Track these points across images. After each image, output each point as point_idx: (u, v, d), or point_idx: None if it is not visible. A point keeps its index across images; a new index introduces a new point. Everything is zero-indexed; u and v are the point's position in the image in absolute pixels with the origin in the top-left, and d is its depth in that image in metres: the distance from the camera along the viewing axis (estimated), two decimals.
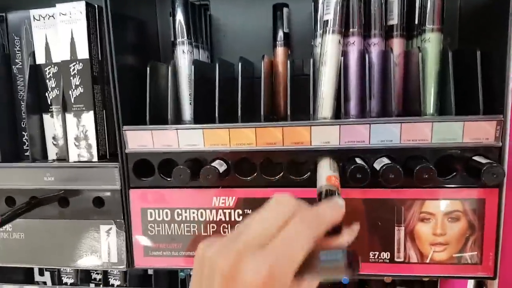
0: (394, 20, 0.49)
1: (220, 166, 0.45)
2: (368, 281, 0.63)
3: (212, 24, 0.59)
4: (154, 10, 0.59)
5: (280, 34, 0.55)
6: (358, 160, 0.42)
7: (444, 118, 0.42)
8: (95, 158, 0.50)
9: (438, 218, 0.44)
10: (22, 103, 0.53)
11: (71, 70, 0.49)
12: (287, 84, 0.47)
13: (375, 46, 0.48)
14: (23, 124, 0.54)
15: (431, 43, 0.46)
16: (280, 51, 0.55)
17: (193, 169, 0.44)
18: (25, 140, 0.54)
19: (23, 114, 0.53)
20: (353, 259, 0.25)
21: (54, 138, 0.53)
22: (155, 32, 0.59)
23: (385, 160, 0.42)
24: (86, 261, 0.52)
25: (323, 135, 0.44)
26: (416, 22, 0.48)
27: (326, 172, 0.39)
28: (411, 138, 0.43)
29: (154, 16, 0.59)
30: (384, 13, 0.49)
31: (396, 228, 0.45)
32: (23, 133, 0.54)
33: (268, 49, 0.56)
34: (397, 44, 0.49)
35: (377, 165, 0.42)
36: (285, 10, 0.55)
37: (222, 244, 0.26)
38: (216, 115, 0.48)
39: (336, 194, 0.34)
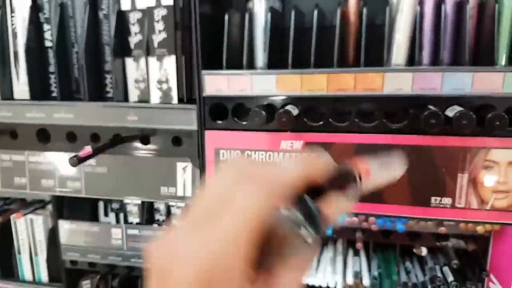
0: None
1: (293, 110, 0.48)
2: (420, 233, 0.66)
3: None
4: None
5: None
6: (431, 107, 0.44)
7: None
8: (175, 101, 0.54)
9: (502, 166, 0.46)
10: (106, 47, 0.58)
11: (155, 15, 0.52)
12: (362, 32, 0.49)
13: None
14: (106, 67, 0.59)
15: None
16: (352, 1, 0.56)
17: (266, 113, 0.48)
18: (108, 83, 0.59)
19: (106, 58, 0.58)
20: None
21: (136, 81, 0.58)
22: None
23: (457, 108, 0.43)
24: (163, 195, 0.57)
25: (396, 82, 0.45)
26: None
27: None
28: (483, 87, 0.44)
29: None
30: None
31: (459, 174, 0.47)
32: (106, 75, 0.59)
33: None
34: None
35: (450, 112, 0.43)
36: None
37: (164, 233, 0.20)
38: (289, 61, 0.51)
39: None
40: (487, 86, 0.44)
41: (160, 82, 0.54)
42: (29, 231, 0.93)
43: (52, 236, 0.89)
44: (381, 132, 0.47)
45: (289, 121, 0.47)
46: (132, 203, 0.87)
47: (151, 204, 0.86)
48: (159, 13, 0.52)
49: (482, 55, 0.48)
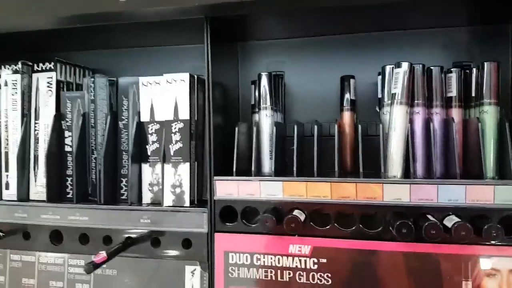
0: (453, 93, 0.56)
1: (300, 215, 0.51)
2: None
3: (286, 91, 0.68)
4: (237, 78, 0.69)
5: (347, 99, 0.63)
6: (430, 217, 0.47)
7: (505, 182, 0.47)
8: (187, 204, 0.57)
9: (504, 274, 0.48)
10: (124, 154, 0.62)
11: (172, 128, 0.58)
12: (358, 143, 0.54)
13: (437, 115, 0.55)
14: (123, 171, 0.63)
15: (489, 114, 0.53)
16: (346, 114, 0.63)
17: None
18: (123, 186, 0.63)
19: (123, 163, 0.62)
20: None
21: (150, 184, 0.61)
22: (237, 96, 0.69)
23: (455, 218, 0.46)
24: None
25: (395, 192, 0.49)
26: (473, 95, 0.55)
27: None
28: (476, 198, 0.48)
29: (236, 83, 0.69)
30: (444, 87, 0.56)
31: (463, 282, 0.48)
32: (122, 179, 0.63)
33: (336, 112, 0.64)
34: (456, 113, 0.56)
35: (448, 222, 0.46)
36: (351, 80, 0.63)
37: None
38: (294, 169, 0.55)
39: None
40: (480, 197, 0.48)
41: (173, 186, 0.58)
42: None
43: None
44: (384, 240, 0.50)
45: (297, 226, 0.50)
46: None
47: None
48: (176, 126, 0.58)
49: (472, 166, 0.53)
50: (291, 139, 0.58)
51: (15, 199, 0.64)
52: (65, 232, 0.61)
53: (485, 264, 0.48)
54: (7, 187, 0.66)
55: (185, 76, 0.58)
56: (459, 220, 0.46)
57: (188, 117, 0.58)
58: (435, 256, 0.49)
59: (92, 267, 0.49)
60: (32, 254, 0.63)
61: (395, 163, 0.52)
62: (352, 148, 0.61)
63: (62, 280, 0.61)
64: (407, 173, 0.52)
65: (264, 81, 0.60)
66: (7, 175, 0.66)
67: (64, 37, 0.68)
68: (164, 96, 0.59)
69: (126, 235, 0.59)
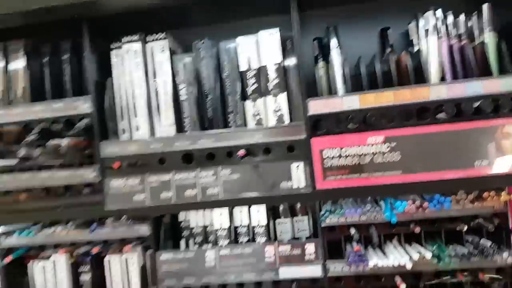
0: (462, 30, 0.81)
1: (371, 118, 0.74)
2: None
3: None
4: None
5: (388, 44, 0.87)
6: (462, 104, 0.71)
7: (506, 75, 0.72)
8: (287, 122, 0.80)
9: None
10: (230, 96, 0.84)
11: (268, 70, 0.80)
12: (409, 68, 0.78)
13: (457, 44, 0.80)
14: (229, 109, 0.84)
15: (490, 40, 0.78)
16: (392, 58, 0.87)
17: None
18: (230, 121, 0.84)
19: (229, 103, 0.84)
20: None
21: (253, 115, 0.83)
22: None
23: (479, 102, 0.71)
24: (282, 189, 0.79)
25: (437, 92, 0.73)
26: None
27: None
28: (490, 90, 0.73)
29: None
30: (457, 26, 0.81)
31: (490, 144, 0.73)
32: (228, 115, 0.84)
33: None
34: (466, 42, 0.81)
35: (475, 104, 0.71)
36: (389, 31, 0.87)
37: None
38: (363, 86, 0.79)
39: None
40: (492, 89, 0.72)
41: (275, 111, 0.80)
42: (123, 269, 1.08)
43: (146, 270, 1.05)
44: (434, 124, 0.74)
45: (371, 124, 0.73)
46: (221, 228, 1.06)
47: (235, 229, 1.05)
48: (272, 68, 0.80)
49: (483, 72, 0.78)
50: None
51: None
52: (195, 154, 0.81)
53: (504, 129, 0.72)
54: (137, 129, 0.86)
55: (275, 30, 0.81)
56: (481, 101, 0.70)
57: (280, 60, 0.80)
58: (467, 129, 0.73)
59: (240, 159, 0.70)
60: (167, 175, 0.83)
61: (433, 76, 0.76)
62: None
63: (195, 188, 0.81)
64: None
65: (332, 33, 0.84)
66: (136, 120, 0.86)
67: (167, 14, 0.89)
68: (258, 46, 0.82)
69: (239, 157, 0.79)
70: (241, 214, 1.08)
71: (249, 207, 1.06)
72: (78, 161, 0.83)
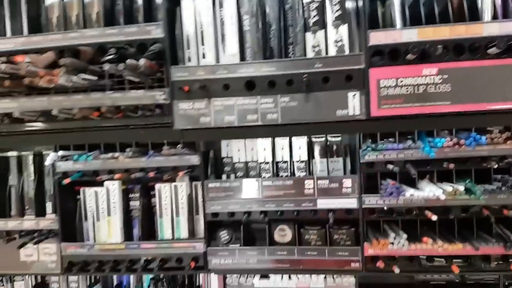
0: None
1: (430, 50, 0.80)
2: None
3: None
4: None
5: None
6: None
7: None
8: (347, 52, 0.86)
9: None
10: (290, 28, 0.89)
11: (333, 2, 0.86)
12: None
13: None
14: (290, 40, 0.90)
15: None
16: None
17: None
18: (290, 52, 0.90)
19: (290, 34, 0.90)
20: None
21: (313, 46, 0.89)
22: None
23: None
24: (338, 116, 0.86)
25: (489, 29, 0.79)
26: None
27: None
28: None
29: None
30: None
31: None
32: (288, 46, 0.90)
33: None
34: None
35: None
36: None
37: None
38: (423, 20, 0.85)
39: None
40: None
41: (335, 41, 0.86)
42: (172, 196, 1.16)
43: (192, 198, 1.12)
44: (485, 59, 0.80)
45: (428, 57, 0.79)
46: (264, 162, 1.14)
47: (277, 164, 1.13)
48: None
49: None
50: None
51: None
52: (257, 81, 0.88)
53: None
54: (203, 57, 0.92)
55: None
56: None
57: None
58: None
59: (304, 80, 0.78)
60: (231, 99, 0.89)
61: (486, 14, 0.83)
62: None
63: (256, 113, 0.88)
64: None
65: None
66: (203, 48, 0.92)
67: None
68: None
69: (304, 77, 0.86)
70: (282, 151, 1.15)
71: (291, 143, 1.13)
72: (150, 83, 0.90)
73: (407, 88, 0.83)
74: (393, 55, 0.84)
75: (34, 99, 0.90)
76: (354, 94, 0.85)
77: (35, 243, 1.10)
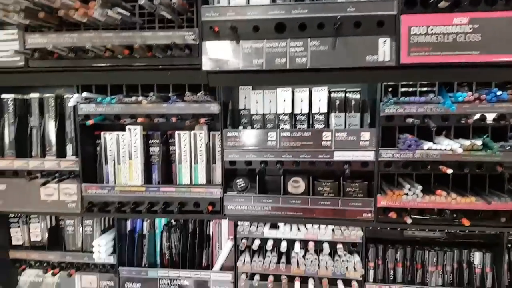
0: None
1: None
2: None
3: None
4: None
5: None
6: None
7: None
8: None
9: None
10: None
11: None
12: None
13: None
14: None
15: None
16: None
17: None
18: None
19: None
20: None
21: None
22: None
23: None
24: (368, 61, 0.87)
25: None
26: None
27: None
28: None
29: None
30: None
31: None
32: None
33: None
34: None
35: None
36: None
37: None
38: None
39: None
40: None
41: None
42: (191, 143, 1.18)
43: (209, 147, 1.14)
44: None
45: (459, 6, 0.80)
46: (283, 113, 1.15)
47: (295, 116, 1.14)
48: None
49: None
50: None
51: None
52: (287, 23, 0.88)
53: None
54: None
55: None
56: None
57: None
58: None
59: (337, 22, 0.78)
60: (260, 42, 0.90)
61: None
62: None
63: (285, 57, 0.89)
64: None
65: None
66: None
67: None
68: None
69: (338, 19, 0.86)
70: (301, 103, 1.16)
71: (310, 95, 1.14)
72: (180, 22, 0.90)
73: (437, 37, 0.84)
74: (425, 2, 0.84)
75: (64, 35, 0.90)
76: (385, 40, 0.86)
77: (58, 181, 1.13)
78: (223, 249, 1.28)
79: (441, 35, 0.84)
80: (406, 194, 1.04)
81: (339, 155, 1.12)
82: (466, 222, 1.02)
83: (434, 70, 0.85)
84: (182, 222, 1.29)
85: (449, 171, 1.03)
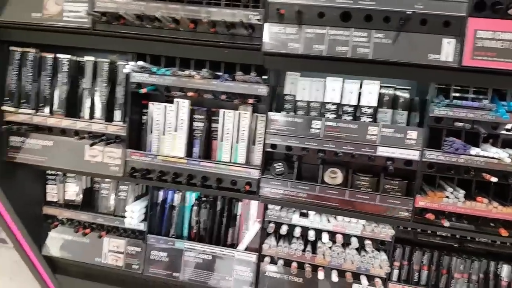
0: None
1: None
2: None
3: None
4: None
5: None
6: None
7: None
8: None
9: None
10: None
11: None
12: None
13: None
14: None
15: None
16: None
17: None
18: None
19: None
20: None
21: None
22: None
23: None
24: (430, 59, 0.86)
25: None
26: None
27: None
28: None
29: None
30: None
31: None
32: None
33: None
34: None
35: None
36: None
37: None
38: None
39: None
40: None
41: None
42: (235, 122, 1.19)
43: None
44: None
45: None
46: (331, 103, 1.16)
47: (342, 107, 1.14)
48: None
49: None
50: None
51: None
52: (353, 13, 0.89)
53: None
54: None
55: None
56: None
57: None
58: None
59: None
60: (323, 28, 0.91)
61: None
62: None
63: (347, 45, 0.90)
64: None
65: None
66: None
67: None
68: None
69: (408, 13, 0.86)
70: (350, 95, 1.16)
71: (361, 87, 1.14)
72: (245, 1, 0.91)
73: (502, 43, 0.83)
74: (496, 8, 0.83)
75: (133, 2, 0.93)
76: (449, 41, 0.85)
77: (106, 144, 1.17)
78: (250, 230, 1.30)
79: (507, 41, 0.83)
80: (447, 197, 1.04)
81: (383, 151, 1.11)
82: (504, 232, 1.02)
83: (495, 77, 0.84)
84: (212, 199, 1.31)
85: (494, 179, 1.02)
